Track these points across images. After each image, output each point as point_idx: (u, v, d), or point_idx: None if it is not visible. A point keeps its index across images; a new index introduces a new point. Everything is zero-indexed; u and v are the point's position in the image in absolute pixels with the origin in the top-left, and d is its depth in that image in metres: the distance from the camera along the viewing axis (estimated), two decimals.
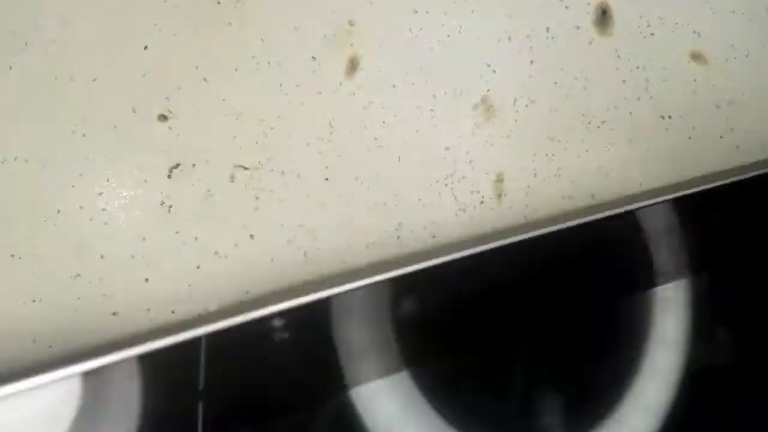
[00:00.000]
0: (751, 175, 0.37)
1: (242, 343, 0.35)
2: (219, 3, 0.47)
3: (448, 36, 0.48)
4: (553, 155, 0.48)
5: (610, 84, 0.49)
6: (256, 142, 0.46)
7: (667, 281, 0.36)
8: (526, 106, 0.48)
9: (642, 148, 0.48)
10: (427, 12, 0.48)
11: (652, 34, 0.49)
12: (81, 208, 0.45)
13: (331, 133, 0.47)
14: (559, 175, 0.48)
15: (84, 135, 0.45)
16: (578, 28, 0.49)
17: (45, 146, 0.45)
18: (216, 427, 0.33)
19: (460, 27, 0.48)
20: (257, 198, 0.46)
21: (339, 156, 0.46)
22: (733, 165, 0.49)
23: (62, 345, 0.43)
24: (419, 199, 0.46)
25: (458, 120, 0.47)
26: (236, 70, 0.47)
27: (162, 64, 0.46)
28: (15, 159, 0.45)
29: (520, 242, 0.35)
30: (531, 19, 0.49)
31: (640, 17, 0.49)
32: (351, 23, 0.48)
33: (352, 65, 0.47)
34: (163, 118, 0.46)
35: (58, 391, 0.33)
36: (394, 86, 0.47)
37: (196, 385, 0.34)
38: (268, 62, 0.47)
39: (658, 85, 0.49)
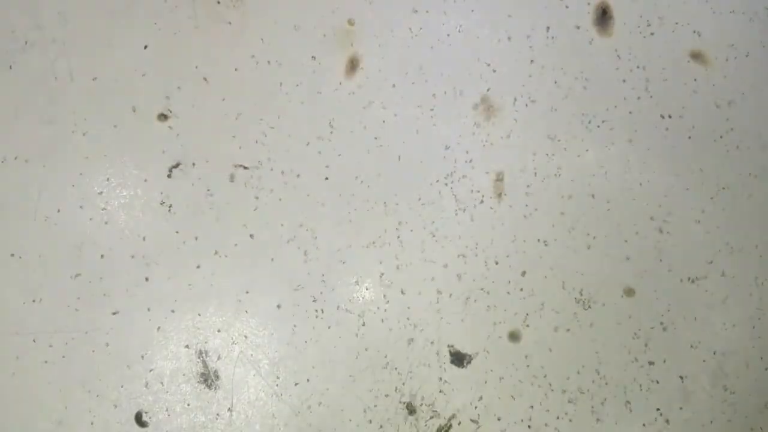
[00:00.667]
0: None
1: None
2: (219, 3, 0.47)
3: (448, 35, 0.48)
4: (553, 155, 0.48)
5: (610, 84, 0.49)
6: (256, 142, 0.46)
7: None
8: (526, 105, 0.48)
9: (642, 147, 0.48)
10: (427, 12, 0.48)
11: (652, 34, 0.49)
12: (81, 208, 0.45)
13: (331, 132, 0.47)
14: (559, 175, 0.48)
15: (84, 135, 0.45)
16: (578, 28, 0.49)
17: (45, 146, 0.45)
18: None
19: (460, 27, 0.48)
20: (257, 198, 0.46)
21: (339, 156, 0.46)
22: (733, 165, 0.49)
23: (62, 345, 0.43)
24: (419, 199, 0.47)
25: (458, 120, 0.47)
26: (236, 70, 0.47)
27: (162, 64, 0.46)
28: (15, 159, 0.45)
29: None
30: (531, 19, 0.49)
31: (640, 17, 0.50)
32: (351, 23, 0.48)
33: (352, 65, 0.47)
34: (163, 117, 0.46)
35: None
36: (394, 86, 0.47)
37: None
38: (268, 62, 0.47)
39: (658, 85, 0.49)
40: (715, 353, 0.47)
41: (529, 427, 0.45)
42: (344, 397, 0.44)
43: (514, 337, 0.46)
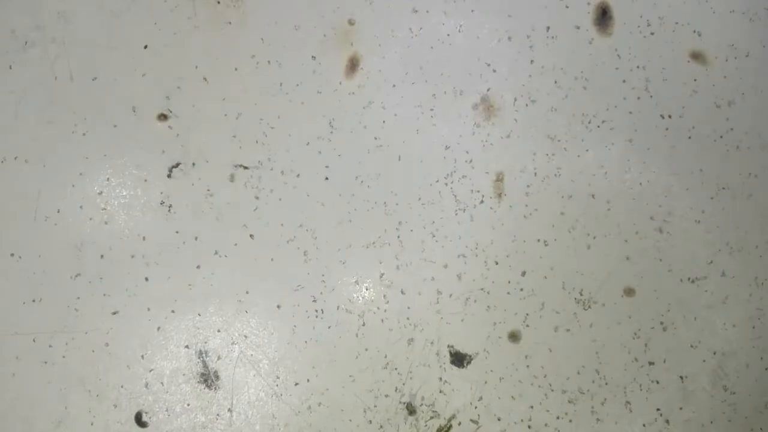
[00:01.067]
0: None
1: None
2: (219, 3, 0.47)
3: (448, 36, 0.48)
4: (553, 155, 0.48)
5: (610, 84, 0.49)
6: (256, 142, 0.46)
7: None
8: (526, 105, 0.48)
9: (642, 147, 0.48)
10: (427, 12, 0.48)
11: (652, 34, 0.49)
12: (81, 207, 0.45)
13: (331, 132, 0.47)
14: (559, 175, 0.48)
15: (84, 135, 0.45)
16: (578, 28, 0.49)
17: (45, 146, 0.45)
18: None
19: (460, 27, 0.48)
20: (257, 198, 0.46)
21: (339, 156, 0.46)
22: (733, 165, 0.49)
23: (62, 345, 0.43)
24: (419, 199, 0.47)
25: (458, 120, 0.47)
26: (236, 70, 0.47)
27: (162, 64, 0.46)
28: (15, 159, 0.45)
29: None
30: (531, 19, 0.49)
31: (640, 17, 0.50)
32: (351, 23, 0.48)
33: (352, 65, 0.47)
34: (163, 117, 0.46)
35: None
36: (394, 86, 0.47)
37: None
38: (268, 62, 0.47)
39: (658, 85, 0.49)
40: (715, 353, 0.47)
41: (529, 427, 0.45)
42: (344, 397, 0.44)
43: (514, 337, 0.46)
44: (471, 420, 0.45)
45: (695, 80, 0.49)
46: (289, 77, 0.47)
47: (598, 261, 0.47)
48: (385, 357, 0.45)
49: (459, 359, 0.46)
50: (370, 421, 0.45)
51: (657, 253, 0.47)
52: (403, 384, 0.45)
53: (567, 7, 0.49)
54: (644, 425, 0.46)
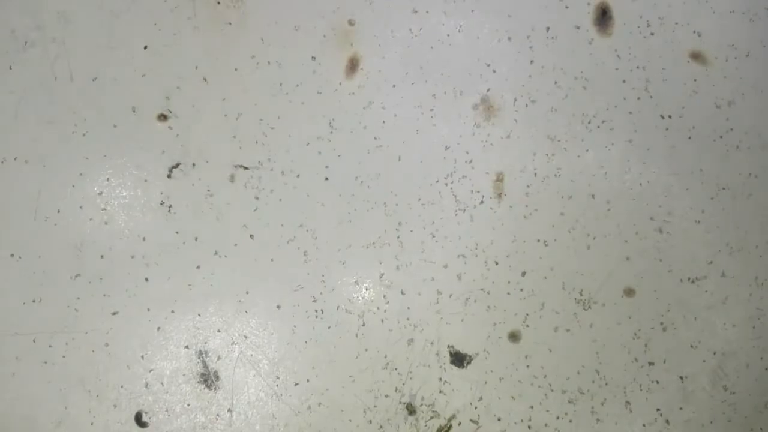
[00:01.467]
0: None
1: None
2: (219, 3, 0.47)
3: (448, 36, 0.48)
4: (553, 155, 0.48)
5: (610, 84, 0.49)
6: (256, 142, 0.46)
7: None
8: (526, 106, 0.48)
9: (642, 147, 0.48)
10: (427, 12, 0.48)
11: (652, 34, 0.49)
12: (81, 208, 0.45)
13: (331, 133, 0.47)
14: (559, 175, 0.48)
15: (84, 135, 0.45)
16: (578, 28, 0.49)
17: (45, 146, 0.45)
18: None
19: (460, 27, 0.48)
20: (257, 198, 0.46)
21: (339, 156, 0.46)
22: (733, 165, 0.49)
23: (62, 345, 0.43)
24: (419, 199, 0.47)
25: (458, 120, 0.47)
26: (236, 70, 0.47)
27: (162, 64, 0.46)
28: (15, 159, 0.45)
29: None
30: (531, 19, 0.49)
31: (640, 17, 0.50)
32: (351, 23, 0.48)
33: (352, 65, 0.47)
34: (163, 117, 0.46)
35: None
36: (394, 86, 0.47)
37: None
38: (268, 62, 0.47)
39: (658, 85, 0.49)
40: (715, 353, 0.47)
41: (529, 427, 0.45)
42: (344, 397, 0.44)
43: (514, 337, 0.46)
44: (471, 420, 0.45)
45: (695, 80, 0.49)
46: (289, 77, 0.47)
47: (598, 261, 0.47)
48: (385, 357, 0.45)
49: (459, 359, 0.46)
50: (370, 421, 0.45)
51: (657, 253, 0.47)
52: (403, 384, 0.45)
53: (567, 7, 0.49)
54: (644, 425, 0.46)
